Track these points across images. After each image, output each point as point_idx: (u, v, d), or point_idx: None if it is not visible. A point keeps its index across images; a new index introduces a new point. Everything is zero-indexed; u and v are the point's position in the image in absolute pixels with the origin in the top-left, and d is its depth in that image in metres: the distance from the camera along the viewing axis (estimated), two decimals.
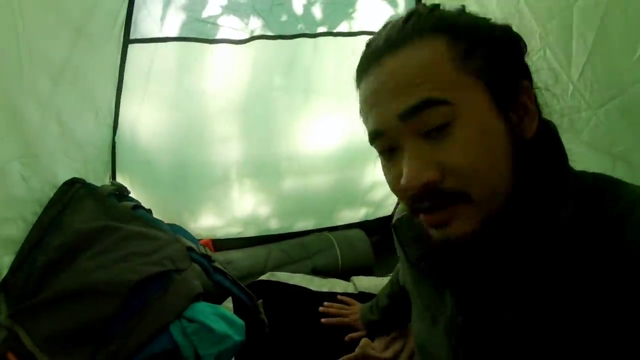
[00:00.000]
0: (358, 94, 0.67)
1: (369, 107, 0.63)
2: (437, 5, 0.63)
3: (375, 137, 0.63)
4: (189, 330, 1.09)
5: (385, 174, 0.66)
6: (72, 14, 1.21)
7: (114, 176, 1.63)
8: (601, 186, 0.60)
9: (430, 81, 0.56)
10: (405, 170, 0.57)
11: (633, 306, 0.51)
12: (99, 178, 1.51)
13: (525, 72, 0.63)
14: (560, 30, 1.08)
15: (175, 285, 1.15)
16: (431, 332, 0.77)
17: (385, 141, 0.61)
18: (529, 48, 0.94)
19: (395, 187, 0.63)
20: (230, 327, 1.14)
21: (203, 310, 1.15)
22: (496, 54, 0.59)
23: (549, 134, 0.64)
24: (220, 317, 1.15)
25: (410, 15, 0.61)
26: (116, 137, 1.58)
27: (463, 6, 0.64)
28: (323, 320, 1.39)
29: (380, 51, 0.61)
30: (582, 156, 1.05)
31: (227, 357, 1.12)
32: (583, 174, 0.64)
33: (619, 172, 1.00)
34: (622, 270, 0.53)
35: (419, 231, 0.73)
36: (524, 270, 0.61)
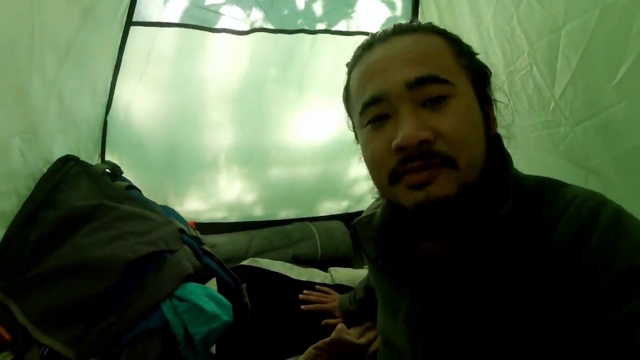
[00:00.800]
0: (351, 75, 0.76)
1: (370, 75, 0.69)
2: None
3: (372, 103, 0.68)
4: (180, 309, 1.12)
5: (365, 146, 0.72)
6: None
7: (103, 155, 1.65)
8: (543, 188, 0.67)
9: (436, 62, 0.66)
10: (404, 130, 0.63)
11: (552, 297, 0.58)
12: (89, 156, 1.52)
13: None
14: (547, 50, 1.14)
15: (168, 265, 1.17)
16: (393, 324, 0.82)
17: (381, 107, 0.67)
18: (518, 64, 1.01)
19: (381, 154, 0.67)
20: (219, 308, 1.17)
21: (194, 291, 1.18)
22: (474, 63, 0.72)
23: (497, 142, 0.73)
24: (210, 298, 1.18)
25: (413, 20, 0.75)
26: (108, 117, 1.59)
27: None
28: (303, 307, 1.44)
29: (389, 34, 0.71)
30: (558, 167, 1.12)
31: (215, 336, 1.15)
32: (529, 177, 0.71)
33: (592, 184, 1.07)
34: (546, 267, 0.60)
35: (377, 231, 0.81)
36: (468, 262, 0.67)
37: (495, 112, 0.74)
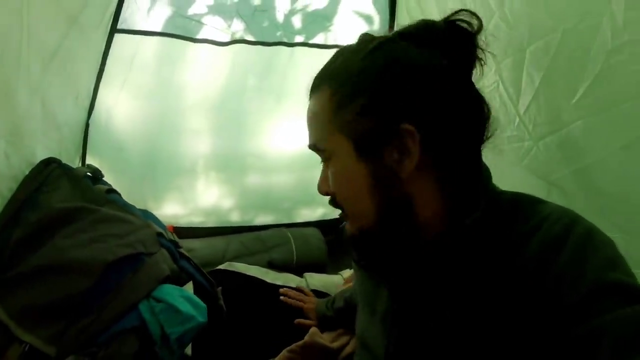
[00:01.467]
0: None
1: None
2: (357, 46, 0.71)
3: None
4: (156, 309, 1.15)
5: None
6: (70, 2, 1.26)
7: (84, 158, 1.66)
8: (518, 204, 0.69)
9: (315, 129, 0.74)
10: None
11: (520, 309, 0.60)
12: (70, 159, 1.53)
13: (412, 114, 0.65)
14: (513, 69, 1.19)
15: (146, 267, 1.20)
16: (370, 323, 0.86)
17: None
18: (486, 81, 1.05)
19: None
20: (195, 309, 1.20)
21: (170, 292, 1.21)
22: (369, 108, 0.66)
23: (468, 156, 0.70)
24: (186, 299, 1.21)
25: (334, 57, 0.75)
26: (90, 121, 1.62)
27: (380, 42, 0.68)
28: (282, 297, 1.49)
29: (313, 87, 0.76)
30: (523, 180, 1.18)
31: (190, 336, 1.18)
32: (505, 192, 0.73)
33: (554, 197, 1.12)
34: (517, 279, 0.61)
35: None
36: (441, 265, 0.70)
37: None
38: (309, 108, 0.75)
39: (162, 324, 1.14)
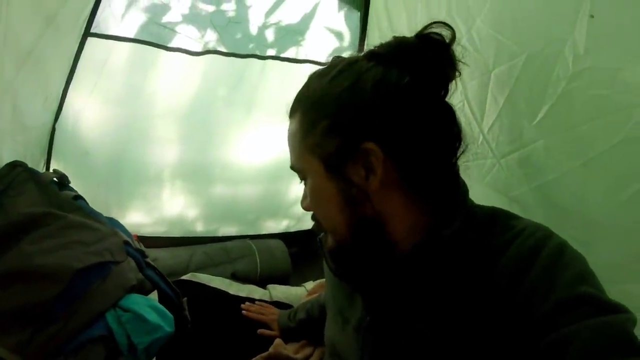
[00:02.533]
0: None
1: None
2: (324, 71, 0.74)
3: None
4: (123, 318, 1.13)
5: None
6: (48, 2, 1.24)
7: (48, 162, 1.62)
8: (494, 218, 0.72)
9: (293, 151, 0.77)
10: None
11: (492, 320, 0.62)
12: (35, 163, 1.50)
13: (375, 133, 0.67)
14: (478, 90, 1.24)
15: (113, 275, 1.18)
16: (342, 333, 0.87)
17: None
18: (452, 100, 1.09)
19: None
20: (162, 319, 1.19)
21: (137, 301, 1.19)
22: (331, 128, 0.69)
23: (444, 172, 0.73)
24: (153, 309, 1.20)
25: (309, 81, 0.76)
26: (57, 125, 1.58)
27: (354, 61, 0.71)
28: (244, 312, 1.48)
29: (290, 111, 0.78)
30: (485, 195, 1.20)
31: (157, 346, 1.17)
32: (482, 207, 0.76)
33: (514, 211, 1.17)
34: (490, 292, 0.64)
35: None
36: (416, 277, 0.71)
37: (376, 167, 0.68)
38: (288, 130, 0.79)
39: (129, 334, 1.13)
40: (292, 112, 0.77)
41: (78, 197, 1.37)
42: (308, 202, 0.78)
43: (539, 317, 0.58)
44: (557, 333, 0.55)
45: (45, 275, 1.08)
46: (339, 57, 0.77)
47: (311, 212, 0.80)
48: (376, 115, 0.67)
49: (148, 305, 1.21)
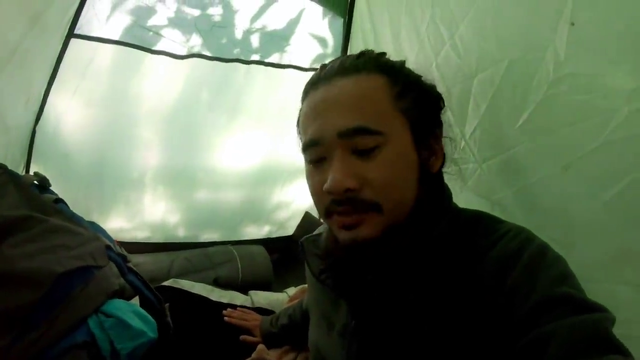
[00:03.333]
0: (301, 107, 0.79)
1: (311, 117, 0.73)
2: (384, 53, 0.79)
3: (310, 146, 0.73)
4: (106, 324, 1.11)
5: (308, 179, 0.78)
6: (34, 2, 1.22)
7: (28, 165, 1.60)
8: (478, 220, 0.74)
9: (370, 110, 0.68)
10: (331, 177, 0.68)
11: (476, 321, 0.63)
12: (15, 165, 1.48)
13: (438, 123, 0.78)
14: (460, 95, 1.24)
15: (96, 280, 1.16)
16: (327, 338, 0.87)
17: (317, 151, 0.72)
18: None
19: (317, 191, 0.74)
20: (145, 324, 1.18)
21: (120, 307, 1.17)
22: (421, 103, 0.73)
23: (438, 175, 0.79)
24: (136, 314, 1.18)
25: (362, 54, 0.76)
26: (37, 127, 1.56)
27: (403, 61, 0.79)
28: (226, 318, 1.47)
29: (332, 73, 0.73)
30: (467, 199, 1.22)
31: (140, 352, 1.15)
32: (466, 210, 0.79)
33: (496, 214, 1.16)
34: (474, 293, 0.65)
35: (322, 249, 0.87)
36: (404, 281, 0.72)
37: (444, 146, 0.78)
38: (346, 89, 0.71)
39: (112, 340, 1.11)
40: (355, 72, 0.72)
41: (59, 201, 1.35)
42: (375, 174, 0.68)
43: (520, 317, 0.59)
44: (536, 331, 0.56)
45: (27, 279, 1.05)
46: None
47: (345, 196, 0.70)
48: (435, 107, 0.78)
49: (131, 311, 1.19)
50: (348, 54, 1.82)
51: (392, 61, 0.77)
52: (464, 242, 0.70)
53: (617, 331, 0.56)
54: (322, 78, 0.74)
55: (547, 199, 1.06)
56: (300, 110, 0.80)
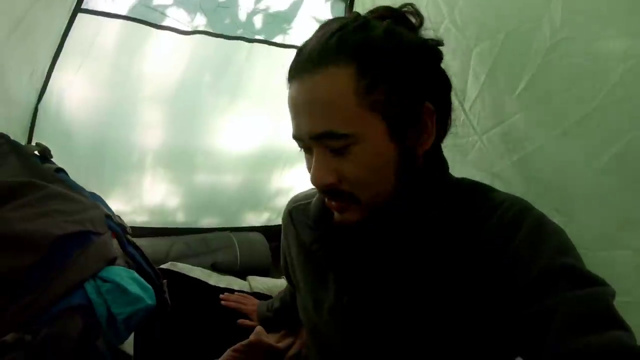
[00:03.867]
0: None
1: (292, 113, 0.71)
2: (365, 22, 0.68)
3: (295, 139, 0.73)
4: (103, 289, 1.11)
5: (305, 161, 0.77)
6: None
7: (29, 141, 1.59)
8: (474, 192, 0.74)
9: (335, 115, 0.65)
10: (312, 173, 0.69)
11: (476, 292, 0.64)
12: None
13: (431, 91, 0.70)
14: (460, 70, 1.26)
15: (94, 246, 1.16)
16: (316, 313, 0.87)
17: (302, 144, 0.72)
18: None
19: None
20: (143, 291, 1.17)
21: (118, 273, 1.17)
22: (397, 87, 0.66)
23: (435, 148, 0.74)
24: (134, 280, 1.18)
25: (335, 32, 0.66)
26: (40, 104, 1.56)
27: (386, 28, 0.67)
28: (223, 302, 1.47)
29: (303, 66, 0.68)
30: (467, 173, 1.21)
31: (138, 318, 1.14)
32: (462, 180, 0.78)
33: (496, 186, 1.17)
34: (472, 265, 0.65)
35: (313, 219, 0.87)
36: (399, 256, 0.73)
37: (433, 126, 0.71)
38: (314, 91, 0.66)
39: (108, 305, 1.10)
40: (321, 66, 0.65)
41: (60, 170, 1.36)
42: (351, 171, 0.67)
43: (522, 287, 0.59)
44: (540, 304, 0.56)
45: (25, 241, 1.05)
46: (355, 12, 0.76)
47: (327, 189, 0.71)
48: (430, 75, 0.70)
49: (129, 277, 1.18)
50: None
51: (368, 37, 0.66)
52: (461, 213, 0.70)
53: (618, 298, 0.57)
54: (297, 69, 0.70)
55: (545, 168, 1.08)
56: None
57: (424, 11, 1.31)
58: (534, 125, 1.08)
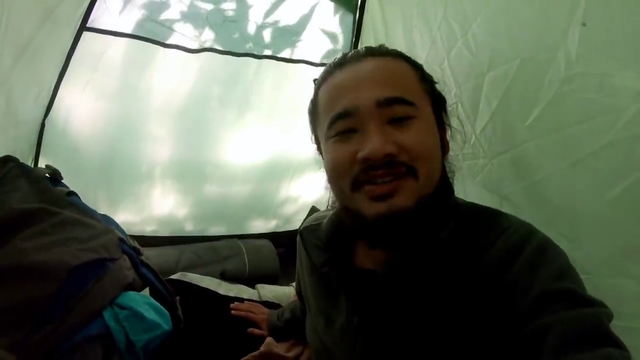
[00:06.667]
0: (320, 89, 0.82)
1: (342, 91, 0.75)
2: None
3: (342, 117, 0.73)
4: (121, 316, 1.12)
5: (328, 155, 0.77)
6: None
7: (37, 158, 1.60)
8: (479, 216, 0.75)
9: (404, 85, 0.74)
10: (371, 143, 0.69)
11: (479, 315, 0.64)
12: (23, 159, 1.46)
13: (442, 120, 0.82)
14: (472, 92, 1.26)
15: (110, 273, 1.16)
16: (326, 333, 0.88)
17: (350, 122, 0.73)
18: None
19: (343, 163, 0.73)
20: (160, 317, 1.19)
21: (134, 299, 1.18)
22: (434, 90, 0.80)
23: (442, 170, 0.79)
24: (150, 307, 1.19)
25: (380, 46, 0.82)
26: (47, 120, 1.56)
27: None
28: (233, 312, 1.48)
29: (361, 55, 0.78)
30: (476, 193, 1.25)
31: (154, 344, 1.16)
32: (467, 204, 0.81)
33: (505, 209, 1.15)
34: (476, 288, 0.66)
35: (323, 240, 0.89)
36: (409, 277, 0.73)
37: (448, 137, 0.84)
38: (380, 65, 0.76)
39: (127, 332, 1.11)
40: (387, 55, 0.79)
41: (71, 194, 1.35)
42: (411, 141, 0.70)
43: (520, 311, 0.60)
44: (534, 324, 0.57)
45: (41, 272, 1.05)
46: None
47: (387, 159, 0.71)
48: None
49: (145, 303, 1.20)
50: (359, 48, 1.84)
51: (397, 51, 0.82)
52: (467, 238, 0.71)
53: (622, 324, 0.59)
54: (349, 59, 0.79)
55: (555, 195, 1.08)
56: (316, 95, 0.83)
57: (435, 32, 1.33)
58: (545, 154, 1.08)
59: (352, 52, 0.81)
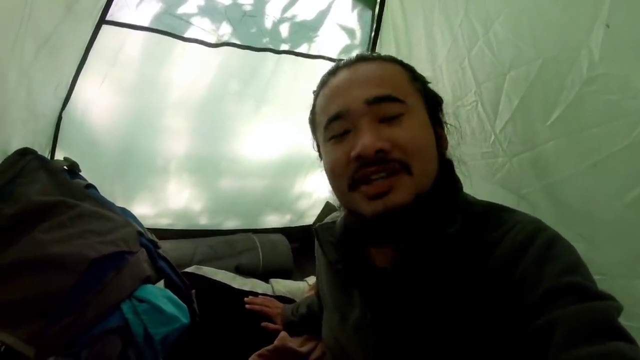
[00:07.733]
0: (317, 97, 0.85)
1: (335, 94, 0.78)
2: None
3: (335, 119, 0.76)
4: (139, 309, 1.12)
5: (327, 158, 0.80)
6: None
7: (53, 151, 1.60)
8: (488, 212, 0.75)
9: (393, 84, 0.76)
10: (362, 140, 0.71)
11: (488, 310, 0.65)
12: (40, 151, 1.44)
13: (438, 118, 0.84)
14: (492, 91, 1.26)
15: (129, 266, 1.17)
16: (341, 329, 0.89)
17: (343, 123, 0.76)
18: (465, 100, 1.14)
19: (340, 164, 0.75)
20: (178, 310, 1.19)
21: (153, 292, 1.19)
22: (426, 89, 0.82)
23: (449, 166, 0.82)
24: (169, 300, 1.20)
25: (372, 52, 0.86)
26: (64, 113, 1.57)
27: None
28: (247, 306, 1.49)
29: (353, 61, 0.81)
30: (494, 192, 1.26)
31: (172, 337, 1.17)
32: (476, 201, 0.80)
33: (522, 208, 1.16)
34: (485, 283, 0.67)
35: (337, 238, 0.89)
36: (417, 276, 0.74)
37: (446, 133, 0.84)
38: (370, 68, 0.79)
39: (145, 325, 1.12)
40: (378, 59, 0.82)
41: (90, 186, 1.36)
42: (405, 137, 0.72)
43: (529, 306, 0.60)
44: (543, 318, 0.57)
45: (60, 264, 1.05)
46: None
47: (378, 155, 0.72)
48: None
49: (164, 296, 1.20)
50: (377, 46, 1.83)
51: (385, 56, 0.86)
52: (476, 235, 0.72)
53: (637, 325, 0.58)
54: (342, 66, 0.82)
55: (574, 195, 1.08)
56: (314, 104, 0.86)
57: (456, 30, 1.32)
58: (565, 154, 1.07)
59: (345, 59, 0.84)
